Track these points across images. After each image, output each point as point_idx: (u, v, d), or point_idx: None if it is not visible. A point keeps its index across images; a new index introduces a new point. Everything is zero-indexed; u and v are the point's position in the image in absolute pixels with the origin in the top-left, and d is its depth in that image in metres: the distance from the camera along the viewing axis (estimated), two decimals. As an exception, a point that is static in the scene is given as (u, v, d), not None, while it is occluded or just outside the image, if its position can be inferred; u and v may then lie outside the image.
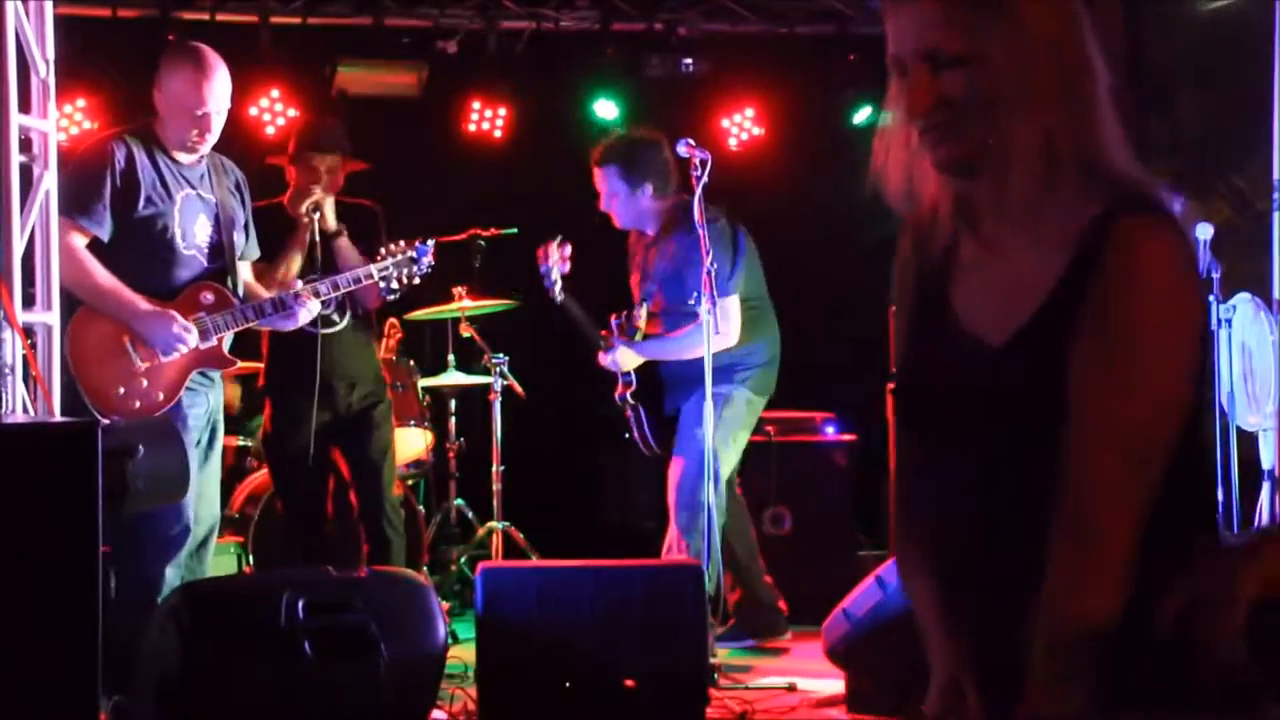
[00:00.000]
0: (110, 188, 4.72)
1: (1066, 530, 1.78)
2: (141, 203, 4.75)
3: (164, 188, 4.80)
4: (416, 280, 5.45)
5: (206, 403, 4.89)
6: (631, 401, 6.05)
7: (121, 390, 4.70)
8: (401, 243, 5.40)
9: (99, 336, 4.73)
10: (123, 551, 4.75)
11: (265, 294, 5.11)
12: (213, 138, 4.85)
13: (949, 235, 1.96)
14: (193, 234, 4.85)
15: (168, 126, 4.84)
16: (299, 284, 5.17)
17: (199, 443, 4.85)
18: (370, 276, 5.34)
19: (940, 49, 1.85)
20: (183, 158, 4.87)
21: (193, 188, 4.87)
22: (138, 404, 4.71)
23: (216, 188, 4.93)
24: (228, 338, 4.90)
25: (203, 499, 4.84)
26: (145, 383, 4.74)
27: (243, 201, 5.07)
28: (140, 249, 4.77)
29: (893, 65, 1.91)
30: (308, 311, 5.07)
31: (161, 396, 4.74)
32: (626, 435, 6.17)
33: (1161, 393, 1.78)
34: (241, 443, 6.75)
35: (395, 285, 5.39)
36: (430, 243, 5.44)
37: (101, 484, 3.48)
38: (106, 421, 4.57)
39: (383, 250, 5.41)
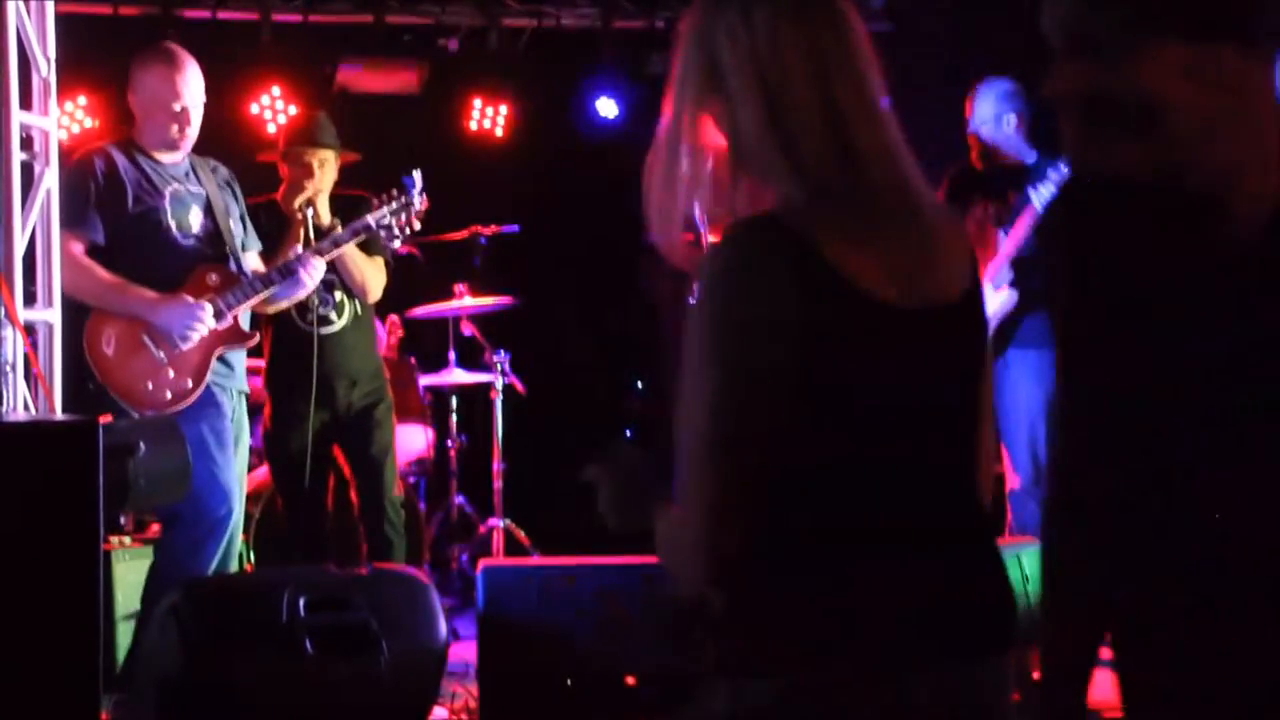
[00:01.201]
0: (95, 192, 4.76)
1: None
2: (131, 201, 4.79)
3: (150, 184, 4.85)
4: (417, 224, 5.43)
5: (231, 396, 4.92)
6: None
7: (150, 384, 4.72)
8: (393, 190, 5.40)
9: (116, 336, 4.75)
10: (169, 537, 4.78)
11: (263, 267, 5.13)
12: (193, 133, 4.89)
13: None
14: (187, 223, 4.88)
15: (146, 128, 4.89)
16: (299, 247, 5.19)
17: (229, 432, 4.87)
18: (370, 229, 5.35)
19: None
20: (165, 158, 4.91)
21: (179, 183, 4.91)
22: (169, 394, 4.74)
23: (205, 182, 4.96)
24: (243, 315, 4.92)
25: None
26: (172, 373, 4.76)
27: (235, 195, 5.10)
28: (138, 246, 4.79)
29: None
30: (316, 271, 5.08)
31: (190, 383, 4.77)
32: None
33: (714, 382, 1.87)
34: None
35: (397, 231, 5.39)
36: (415, 174, 5.43)
37: (103, 482, 3.48)
38: (136, 415, 4.62)
39: (376, 200, 5.41)
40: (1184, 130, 1.76)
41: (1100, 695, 4.90)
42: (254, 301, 4.95)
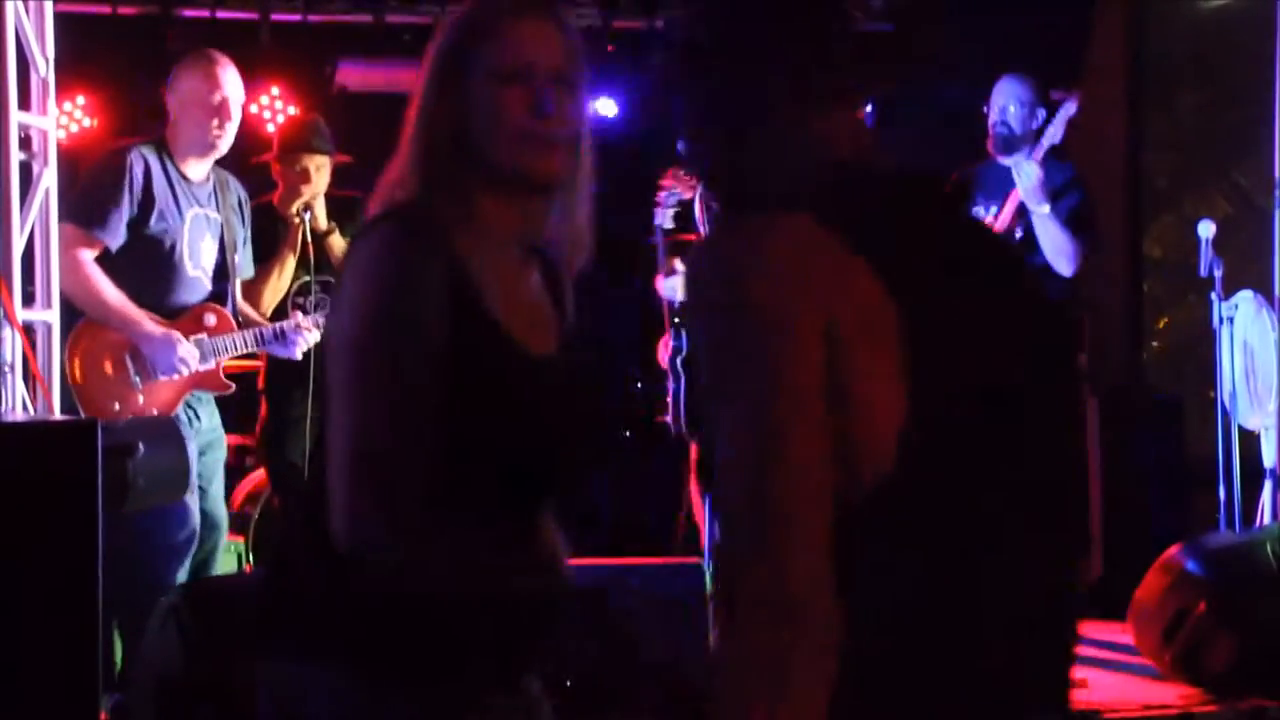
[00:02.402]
0: (128, 199, 4.67)
1: None
2: (154, 218, 4.70)
3: (175, 204, 4.77)
4: None
5: (200, 413, 4.89)
6: (679, 370, 5.78)
7: (116, 405, 4.69)
8: None
9: (99, 349, 4.71)
10: (128, 557, 4.74)
11: (257, 316, 5.12)
12: (231, 131, 4.81)
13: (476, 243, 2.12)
14: (199, 255, 4.83)
15: (182, 127, 4.80)
16: (300, 316, 5.17)
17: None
18: None
19: (566, 73, 2.14)
20: (193, 172, 4.83)
21: (201, 206, 4.85)
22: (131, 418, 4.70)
23: (222, 206, 4.92)
24: (225, 361, 4.90)
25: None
26: (141, 399, 4.72)
27: (243, 219, 5.07)
28: (147, 266, 4.74)
29: (510, 74, 2.11)
30: (305, 342, 5.07)
31: (155, 414, 4.73)
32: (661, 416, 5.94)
33: None
34: (241, 441, 6.74)
35: None
36: None
37: (102, 482, 3.47)
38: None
39: None
40: None
41: (1099, 696, 4.87)
42: (240, 354, 4.95)
